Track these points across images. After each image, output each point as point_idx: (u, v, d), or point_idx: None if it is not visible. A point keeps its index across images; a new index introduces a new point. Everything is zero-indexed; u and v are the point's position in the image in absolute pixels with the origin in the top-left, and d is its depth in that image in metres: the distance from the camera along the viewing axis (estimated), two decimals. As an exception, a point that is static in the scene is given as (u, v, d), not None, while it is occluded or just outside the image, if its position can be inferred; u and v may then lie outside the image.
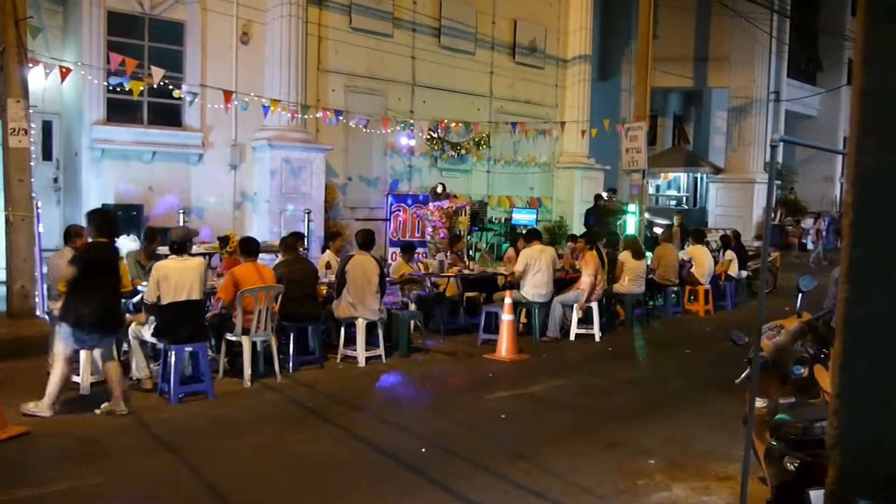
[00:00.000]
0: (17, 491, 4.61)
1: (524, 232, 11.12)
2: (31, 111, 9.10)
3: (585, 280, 9.89)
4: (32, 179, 9.19)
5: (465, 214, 15.39)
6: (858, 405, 1.51)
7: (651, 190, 24.36)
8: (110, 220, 6.53)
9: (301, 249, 9.21)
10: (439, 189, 14.01)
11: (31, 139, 9.07)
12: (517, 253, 10.42)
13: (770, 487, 3.69)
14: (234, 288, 7.24)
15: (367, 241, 8.46)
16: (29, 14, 9.07)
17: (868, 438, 1.51)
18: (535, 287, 9.63)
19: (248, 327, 7.24)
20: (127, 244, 9.04)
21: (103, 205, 11.38)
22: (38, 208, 9.28)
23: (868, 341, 1.51)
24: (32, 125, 9.17)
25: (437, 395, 7.29)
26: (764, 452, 3.77)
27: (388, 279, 9.33)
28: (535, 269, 9.64)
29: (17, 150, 8.86)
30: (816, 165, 26.85)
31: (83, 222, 9.68)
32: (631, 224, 15.84)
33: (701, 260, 12.41)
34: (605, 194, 16.60)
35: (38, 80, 10.13)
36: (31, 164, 9.13)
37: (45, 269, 8.75)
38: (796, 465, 3.42)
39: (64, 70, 9.87)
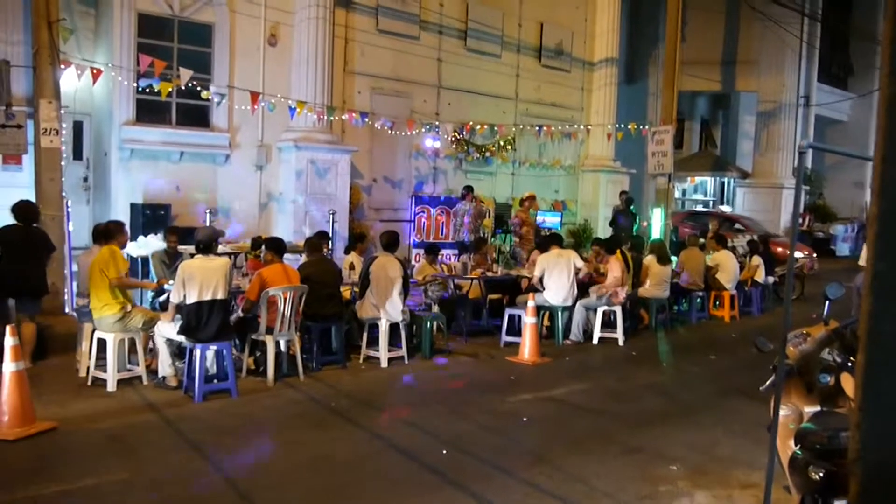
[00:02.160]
0: (45, 486, 4.68)
1: (547, 234, 11.11)
2: (62, 112, 9.23)
3: (610, 282, 9.84)
4: (63, 179, 9.32)
5: (490, 216, 15.43)
6: (882, 419, 1.49)
7: (677, 194, 24.18)
8: (23, 210, 7.68)
9: (325, 250, 9.26)
10: (525, 194, 14.42)
11: (63, 139, 9.19)
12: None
13: (794, 497, 3.64)
14: (261, 288, 7.29)
15: (391, 242, 8.49)
16: (62, 16, 9.21)
17: (892, 452, 1.49)
18: (554, 292, 9.60)
19: (273, 327, 7.29)
20: (154, 244, 9.15)
21: (132, 204, 11.54)
22: (68, 207, 9.42)
23: (892, 355, 1.49)
24: (64, 125, 9.29)
25: (459, 396, 7.28)
26: (788, 461, 3.72)
27: (411, 280, 9.34)
28: (552, 275, 9.60)
29: (49, 149, 9.00)
30: (846, 171, 26.44)
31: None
32: (656, 228, 15.74)
33: (726, 265, 12.28)
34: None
35: (71, 81, 10.28)
36: (62, 163, 9.26)
37: (74, 268, 8.87)
38: (821, 475, 3.38)
39: (95, 71, 10.02)
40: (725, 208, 22.33)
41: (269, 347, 7.25)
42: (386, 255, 8.36)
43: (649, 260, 11.00)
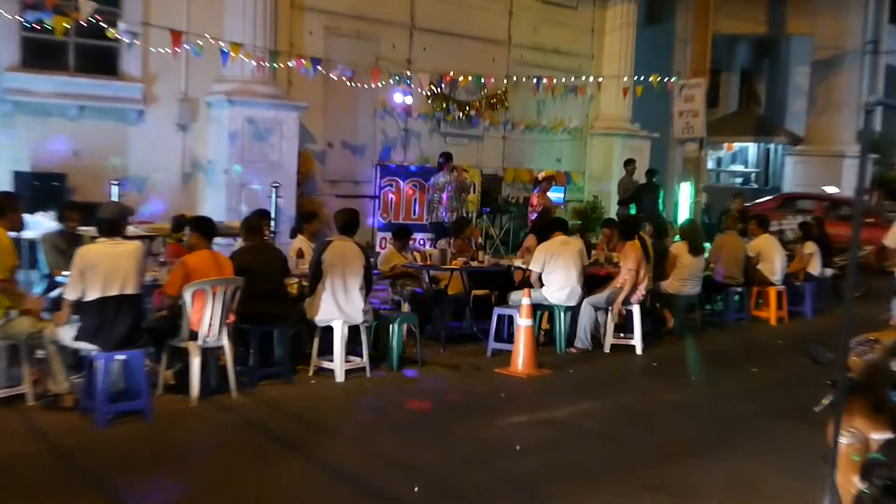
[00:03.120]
0: None
1: (549, 218, 11.06)
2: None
3: (624, 275, 9.83)
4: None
5: (475, 191, 15.41)
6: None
7: (710, 164, 24.27)
8: None
9: (267, 233, 9.19)
10: (541, 175, 14.38)
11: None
12: (539, 241, 10.38)
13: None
14: (183, 281, 7.20)
15: (348, 223, 8.43)
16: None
17: None
18: (557, 289, 9.59)
19: (198, 330, 7.20)
20: (45, 224, 9.01)
21: (15, 172, 11.36)
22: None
23: None
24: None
25: (435, 419, 7.27)
26: (853, 501, 3.71)
27: (375, 272, 9.28)
28: (555, 267, 9.58)
29: None
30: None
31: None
32: (684, 207, 15.82)
33: (770, 254, 12.32)
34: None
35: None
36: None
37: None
38: (893, 518, 3.37)
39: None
40: (830, 189, 22.12)
41: (193, 357, 7.16)
42: (343, 240, 8.30)
43: (678, 248, 10.98)
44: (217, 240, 8.21)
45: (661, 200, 16.70)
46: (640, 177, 17.07)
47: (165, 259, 8.72)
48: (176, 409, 7.02)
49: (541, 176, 14.72)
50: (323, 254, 8.19)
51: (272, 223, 11.05)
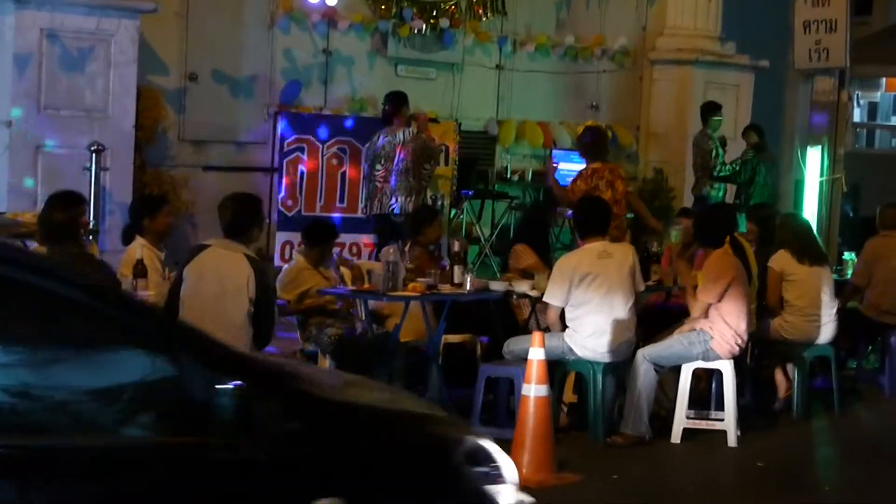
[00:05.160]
0: None
1: (577, 210, 11.03)
2: None
3: (705, 306, 9.84)
4: None
5: (452, 162, 15.44)
6: None
7: (857, 115, 24.38)
8: None
9: (83, 233, 9.13)
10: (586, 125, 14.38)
11: None
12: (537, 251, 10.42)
13: None
14: None
15: (239, 219, 8.41)
16: None
17: None
18: (592, 335, 9.64)
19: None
20: None
21: None
22: None
23: None
24: None
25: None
26: None
27: (279, 302, 9.26)
28: (588, 298, 9.61)
29: None
30: None
31: None
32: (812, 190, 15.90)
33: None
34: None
35: None
36: None
37: None
38: None
39: None
40: None
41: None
42: (226, 247, 8.32)
43: (780, 260, 10.93)
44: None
45: (768, 178, 16.59)
46: (729, 133, 17.09)
47: None
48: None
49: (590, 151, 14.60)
50: (186, 267, 8.14)
51: (90, 216, 10.97)
